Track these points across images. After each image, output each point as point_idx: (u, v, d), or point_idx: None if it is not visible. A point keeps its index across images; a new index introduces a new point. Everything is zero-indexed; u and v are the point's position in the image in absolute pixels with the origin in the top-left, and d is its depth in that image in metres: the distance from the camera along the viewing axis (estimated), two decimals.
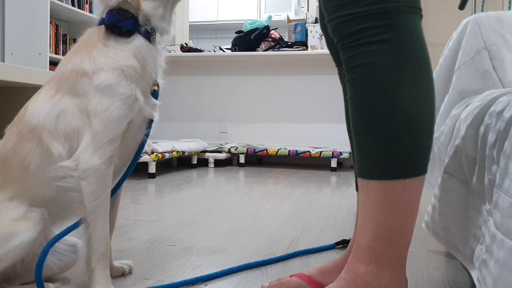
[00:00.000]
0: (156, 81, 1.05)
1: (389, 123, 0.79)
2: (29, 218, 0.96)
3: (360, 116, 0.82)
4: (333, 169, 3.80)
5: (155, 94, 1.05)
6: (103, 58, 0.96)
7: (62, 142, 0.95)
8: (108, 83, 0.95)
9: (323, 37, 4.14)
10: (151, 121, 1.05)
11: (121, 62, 0.97)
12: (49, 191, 0.97)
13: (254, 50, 4.22)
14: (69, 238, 1.11)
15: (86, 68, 0.96)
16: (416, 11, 0.80)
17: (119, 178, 1.07)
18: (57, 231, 1.03)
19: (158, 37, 1.04)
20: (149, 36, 1.02)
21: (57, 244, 1.06)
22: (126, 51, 0.98)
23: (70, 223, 1.02)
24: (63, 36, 4.10)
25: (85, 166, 0.93)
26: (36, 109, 0.97)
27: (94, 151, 0.93)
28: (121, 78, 0.96)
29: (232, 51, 4.29)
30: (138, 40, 1.00)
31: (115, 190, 1.06)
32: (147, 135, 1.06)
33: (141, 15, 1.00)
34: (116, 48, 0.98)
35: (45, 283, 0.96)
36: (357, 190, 0.94)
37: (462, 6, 1.90)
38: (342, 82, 1.06)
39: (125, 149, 1.01)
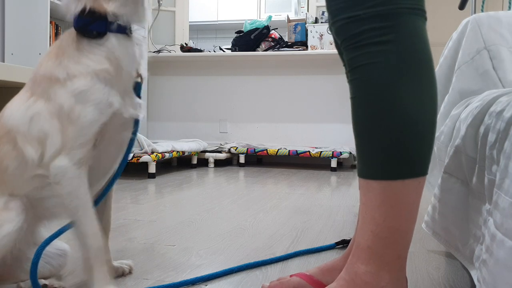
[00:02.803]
0: (138, 73, 1.02)
1: (389, 124, 0.79)
2: (10, 208, 0.95)
3: (361, 116, 0.83)
4: (333, 169, 3.80)
5: (137, 87, 1.02)
6: (73, 64, 0.94)
7: (35, 146, 0.94)
8: (81, 89, 0.93)
9: (323, 37, 4.16)
10: (136, 121, 1.03)
11: (93, 67, 0.94)
12: (32, 193, 0.98)
13: (254, 50, 4.22)
14: (57, 242, 1.10)
15: (58, 74, 0.94)
16: (419, 12, 0.80)
17: (107, 179, 1.07)
18: (44, 230, 1.03)
19: (134, 26, 1.01)
20: (123, 29, 0.98)
21: (46, 248, 1.06)
22: (99, 54, 0.95)
23: (58, 222, 1.02)
24: None
25: (55, 170, 0.93)
26: (11, 111, 0.97)
27: (65, 154, 0.93)
28: (94, 82, 0.94)
29: (232, 51, 4.29)
30: (110, 42, 0.96)
31: (105, 193, 1.05)
32: (134, 134, 1.04)
33: (109, 14, 0.96)
34: (88, 51, 0.95)
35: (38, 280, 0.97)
36: None
37: (462, 6, 1.90)
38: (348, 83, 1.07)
39: (108, 152, 1.01)
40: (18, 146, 0.95)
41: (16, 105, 0.97)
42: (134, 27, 1.01)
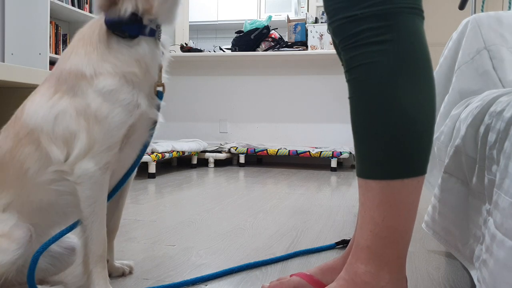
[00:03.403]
0: (161, 82, 1.01)
1: (388, 124, 0.79)
2: (13, 238, 0.91)
3: (359, 116, 0.83)
4: (333, 169, 3.80)
5: (159, 95, 1.01)
6: (103, 62, 0.92)
7: (60, 146, 0.92)
8: (109, 89, 0.91)
9: (323, 37, 4.16)
10: (154, 122, 1.02)
11: (122, 68, 0.92)
12: (48, 197, 0.95)
13: (254, 50, 4.22)
14: (66, 239, 1.08)
15: (85, 71, 0.92)
16: (416, 11, 0.80)
17: (120, 179, 1.05)
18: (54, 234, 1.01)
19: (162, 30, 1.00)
20: (154, 33, 0.97)
21: (53, 247, 1.04)
22: (129, 56, 0.93)
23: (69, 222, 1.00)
24: (63, 36, 4.10)
25: (80, 171, 0.91)
26: (34, 109, 0.94)
27: (91, 157, 0.91)
28: (122, 83, 0.92)
29: (232, 51, 4.29)
30: (142, 48, 0.95)
31: (113, 193, 1.04)
32: (151, 136, 1.03)
33: (148, 16, 0.94)
34: (118, 51, 0.93)
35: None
36: None
37: (462, 6, 1.90)
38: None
39: (128, 154, 0.99)
40: (42, 146, 0.92)
41: (39, 102, 0.94)
42: (165, 25, 0.99)
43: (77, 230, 0.98)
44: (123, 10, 0.93)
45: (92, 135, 0.91)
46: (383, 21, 0.78)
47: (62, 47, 4.07)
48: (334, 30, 0.84)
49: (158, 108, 1.02)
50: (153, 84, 0.99)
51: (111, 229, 1.12)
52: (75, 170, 0.91)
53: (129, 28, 0.94)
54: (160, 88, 1.01)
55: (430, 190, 1.45)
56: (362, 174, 0.84)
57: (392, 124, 0.79)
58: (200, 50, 4.40)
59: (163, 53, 1.01)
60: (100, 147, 0.91)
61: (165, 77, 1.03)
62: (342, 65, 1.07)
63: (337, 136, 4.17)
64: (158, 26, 0.98)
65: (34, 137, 0.93)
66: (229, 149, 4.05)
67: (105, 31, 0.95)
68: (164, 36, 1.01)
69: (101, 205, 0.95)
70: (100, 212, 0.95)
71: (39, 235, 0.98)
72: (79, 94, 0.92)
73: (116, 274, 1.16)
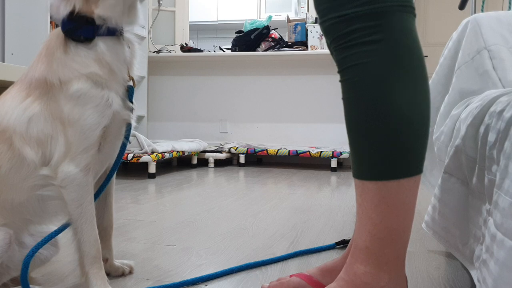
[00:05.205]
0: (130, 76, 1.00)
1: (382, 124, 0.78)
2: None
3: (354, 117, 0.82)
4: (333, 169, 3.80)
5: (130, 91, 1.00)
6: (63, 68, 0.93)
7: (34, 147, 0.93)
8: (79, 93, 0.92)
9: (323, 37, 4.15)
10: (129, 124, 1.02)
11: (81, 71, 0.93)
12: (19, 196, 0.95)
13: (254, 50, 4.22)
14: (46, 230, 1.07)
15: (52, 79, 0.93)
16: (407, 9, 0.80)
17: (101, 181, 1.06)
18: (28, 238, 1.01)
19: (126, 27, 0.99)
20: (113, 31, 0.96)
21: (34, 240, 1.03)
22: (86, 57, 0.94)
23: (43, 227, 1.01)
24: None
25: (63, 175, 0.92)
26: (5, 110, 0.95)
27: (71, 160, 0.92)
28: (91, 85, 0.93)
29: (232, 51, 4.29)
30: (99, 47, 0.94)
31: (99, 193, 1.05)
32: (127, 138, 1.03)
33: (96, 17, 0.94)
34: (75, 54, 0.94)
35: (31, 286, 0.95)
36: None
37: (462, 6, 1.90)
38: None
39: (105, 154, 1.00)
40: (15, 146, 0.93)
41: (10, 104, 0.95)
42: (126, 27, 0.99)
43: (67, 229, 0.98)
44: (62, 10, 0.94)
45: (69, 139, 0.92)
46: (374, 20, 0.77)
47: None
48: (326, 29, 0.83)
49: (130, 110, 1.01)
50: (123, 81, 0.99)
51: (106, 228, 1.13)
52: (58, 174, 0.93)
53: (82, 32, 0.94)
54: (130, 83, 1.00)
55: (430, 190, 1.45)
56: (358, 175, 0.83)
57: (387, 125, 0.78)
58: (200, 50, 4.40)
59: (128, 47, 1.00)
60: (77, 149, 0.92)
61: (135, 74, 1.02)
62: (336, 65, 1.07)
63: (337, 136, 4.17)
64: (117, 25, 0.97)
65: (6, 137, 0.94)
66: (229, 149, 4.05)
67: (62, 38, 0.95)
68: (130, 34, 1.00)
69: (88, 206, 0.96)
70: (89, 213, 0.96)
71: (15, 233, 0.98)
72: (52, 99, 0.93)
73: (116, 273, 1.16)
